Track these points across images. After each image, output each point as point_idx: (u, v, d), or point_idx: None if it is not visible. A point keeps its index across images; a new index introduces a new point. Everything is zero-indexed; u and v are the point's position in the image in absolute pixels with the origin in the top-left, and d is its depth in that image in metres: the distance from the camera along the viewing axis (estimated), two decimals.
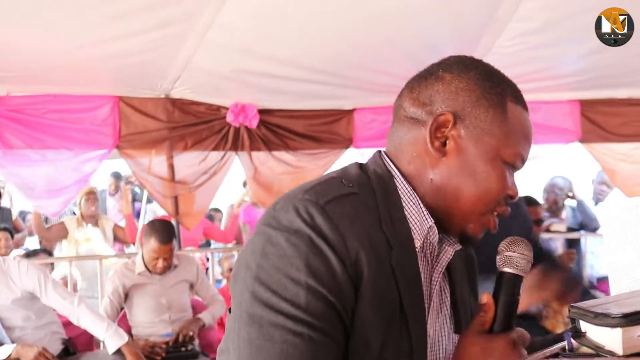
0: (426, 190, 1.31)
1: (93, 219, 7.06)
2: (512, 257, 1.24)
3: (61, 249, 7.44)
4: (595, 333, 0.91)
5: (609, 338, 0.89)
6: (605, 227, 1.17)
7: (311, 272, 1.14)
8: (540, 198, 6.60)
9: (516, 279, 1.25)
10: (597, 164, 6.72)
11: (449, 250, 1.35)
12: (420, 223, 1.29)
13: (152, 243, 4.64)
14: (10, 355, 4.03)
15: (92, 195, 7.04)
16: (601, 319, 0.90)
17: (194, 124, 5.43)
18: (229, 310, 1.27)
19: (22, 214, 9.47)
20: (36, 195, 5.46)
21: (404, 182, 1.31)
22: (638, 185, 6.20)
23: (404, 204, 1.30)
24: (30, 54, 4.43)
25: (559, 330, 3.18)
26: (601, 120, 6.20)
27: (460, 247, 1.37)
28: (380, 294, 1.18)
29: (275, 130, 5.74)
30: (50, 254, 6.76)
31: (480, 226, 1.30)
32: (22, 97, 4.92)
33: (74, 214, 7.47)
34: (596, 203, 7.47)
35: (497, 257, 1.26)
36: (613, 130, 6.21)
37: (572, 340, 0.94)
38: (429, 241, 1.31)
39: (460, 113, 1.29)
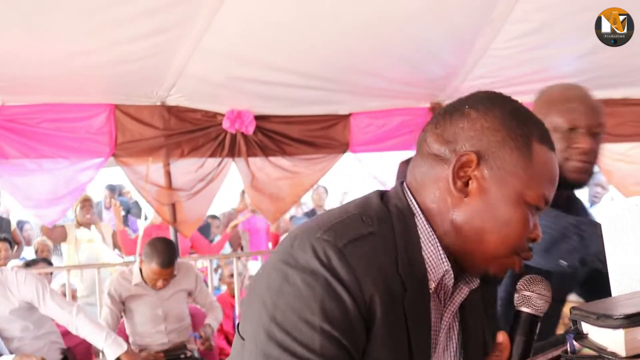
0: (446, 230, 1.28)
1: (89, 226, 7.08)
2: (531, 298, 1.24)
3: (62, 253, 7.46)
4: (597, 335, 0.90)
5: (612, 339, 0.88)
6: (606, 227, 1.16)
7: (326, 315, 1.14)
8: None
9: (533, 319, 1.23)
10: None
11: (464, 290, 1.35)
12: (436, 265, 1.28)
13: (154, 266, 4.61)
14: None
15: (87, 203, 7.07)
16: (603, 320, 0.89)
17: (190, 131, 5.42)
18: (238, 329, 1.28)
19: (20, 224, 9.46)
20: (33, 204, 5.46)
21: (424, 220, 1.30)
22: (636, 185, 6.21)
23: (422, 244, 1.28)
24: (25, 63, 4.43)
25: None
26: None
27: (477, 285, 1.36)
28: (392, 335, 1.18)
29: (272, 136, 5.73)
30: (49, 263, 6.77)
31: (502, 268, 1.29)
32: (17, 107, 4.92)
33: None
34: (591, 205, 7.46)
35: (515, 295, 1.26)
36: (610, 130, 6.18)
37: (574, 342, 0.93)
38: (443, 283, 1.30)
39: (484, 153, 1.26)
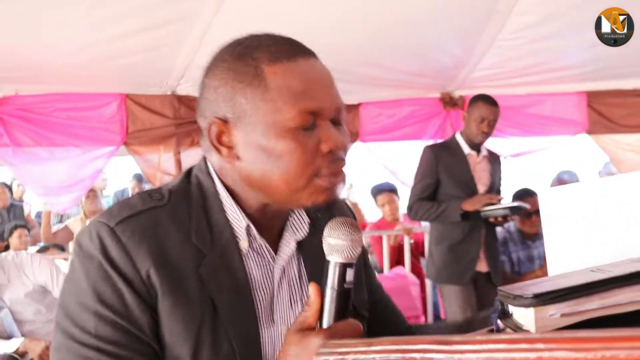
0: (242, 189, 1.29)
1: (94, 215, 7.17)
2: (336, 245, 1.14)
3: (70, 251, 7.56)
4: (517, 314, 0.95)
5: (526, 318, 0.93)
6: (544, 212, 1.20)
7: (99, 297, 1.16)
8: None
9: (344, 267, 1.13)
10: (604, 155, 6.73)
11: (291, 242, 1.35)
12: (239, 224, 1.29)
13: None
14: (18, 349, 4.12)
15: (91, 193, 7.15)
16: (518, 299, 0.94)
17: None
18: None
19: (39, 213, 9.59)
20: (46, 192, 5.56)
21: (221, 185, 1.31)
22: None
23: (225, 208, 1.29)
24: (37, 54, 4.50)
25: None
26: (608, 112, 6.22)
27: (306, 234, 1.36)
28: (183, 304, 1.19)
29: None
30: (62, 249, 6.87)
31: (313, 196, 1.24)
32: (30, 96, 4.99)
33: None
34: None
35: (323, 244, 1.16)
36: (620, 121, 6.22)
37: (499, 322, 0.98)
38: (255, 239, 1.30)
39: (226, 112, 1.25)
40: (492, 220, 4.42)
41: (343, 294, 1.13)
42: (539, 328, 0.91)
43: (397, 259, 6.62)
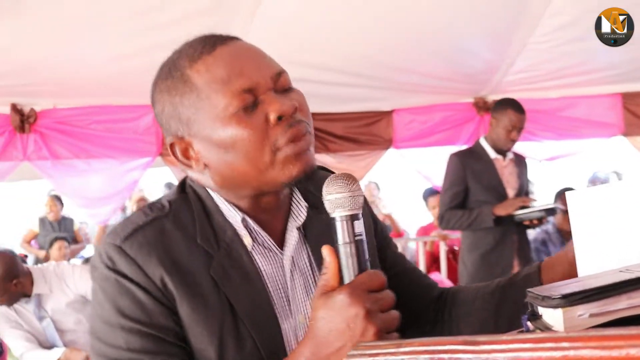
0: (226, 192, 1.31)
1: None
2: (336, 199, 1.14)
3: None
4: (547, 315, 0.95)
5: (555, 319, 0.93)
6: (572, 213, 1.20)
7: (121, 312, 1.19)
8: None
9: (350, 219, 1.13)
10: None
11: (294, 231, 1.35)
12: (235, 220, 1.30)
13: None
14: (59, 359, 4.20)
15: (142, 202, 7.27)
16: (546, 301, 0.94)
17: None
18: None
19: (81, 224, 9.75)
20: (85, 203, 5.64)
21: (213, 193, 1.32)
22: None
23: (222, 210, 1.31)
24: (74, 67, 4.56)
25: None
26: None
27: (304, 219, 1.36)
28: (202, 307, 1.21)
29: (316, 133, 5.72)
30: None
31: (285, 168, 1.23)
32: (68, 109, 5.05)
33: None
34: None
35: (325, 205, 1.16)
36: None
37: (528, 323, 0.99)
38: (256, 232, 1.31)
39: (178, 129, 1.27)
40: (526, 223, 4.39)
41: (356, 246, 1.13)
42: (568, 328, 0.92)
43: (434, 265, 6.61)
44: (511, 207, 4.32)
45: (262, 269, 1.30)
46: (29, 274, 4.37)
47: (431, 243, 6.81)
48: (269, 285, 1.30)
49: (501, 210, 4.33)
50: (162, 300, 1.20)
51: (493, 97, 6.05)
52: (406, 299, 1.36)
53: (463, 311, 1.54)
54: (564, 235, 5.39)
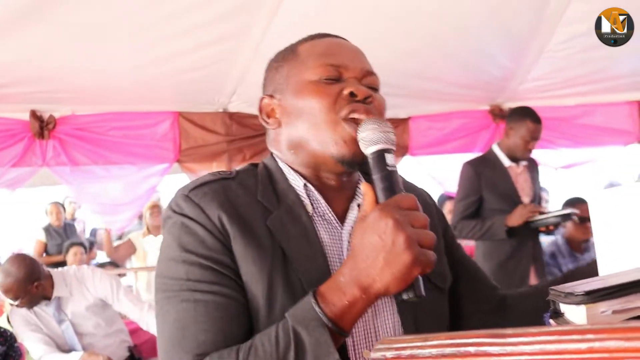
0: (292, 157, 1.45)
1: (158, 231, 7.29)
2: (367, 136, 1.26)
3: (132, 265, 7.71)
4: (569, 312, 0.96)
5: (578, 316, 0.94)
6: (593, 213, 1.21)
7: (183, 247, 1.30)
8: None
9: (382, 153, 1.25)
10: None
11: (355, 209, 1.44)
12: (300, 187, 1.42)
13: None
14: None
15: (155, 209, 7.29)
16: (569, 297, 0.95)
17: (252, 137, 5.52)
18: None
19: (93, 231, 9.79)
20: (103, 210, 5.67)
21: (281, 162, 1.47)
22: None
23: (288, 179, 1.44)
24: (92, 74, 4.59)
25: None
26: None
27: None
28: (254, 246, 1.29)
29: None
30: (117, 265, 7.01)
31: (339, 144, 1.34)
32: (86, 116, 5.09)
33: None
34: None
35: (360, 146, 1.29)
36: None
37: (551, 321, 1.00)
38: (317, 202, 1.41)
39: (271, 88, 1.49)
40: (542, 229, 4.37)
41: (388, 176, 1.23)
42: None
43: None
44: (521, 218, 4.30)
45: (320, 237, 1.38)
46: (49, 277, 4.41)
47: None
48: (326, 250, 1.37)
49: (513, 221, 4.32)
50: (219, 237, 1.30)
51: (509, 105, 6.05)
52: (471, 295, 1.60)
53: (518, 313, 1.61)
54: (574, 246, 5.37)
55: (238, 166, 5.63)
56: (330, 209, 1.41)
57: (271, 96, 1.47)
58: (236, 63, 4.73)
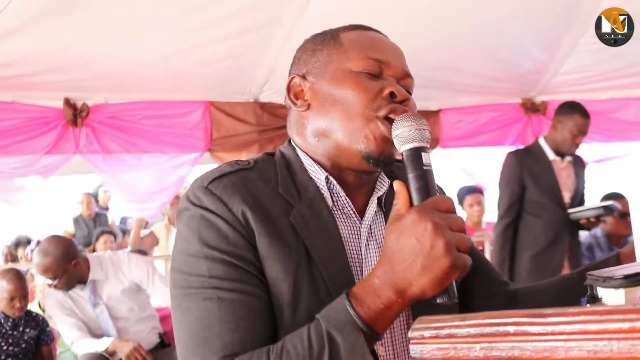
0: (315, 145, 1.41)
1: None
2: (403, 133, 1.23)
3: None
4: (607, 297, 0.96)
5: (616, 300, 0.93)
6: (635, 209, 1.20)
7: (205, 242, 1.26)
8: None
9: (418, 151, 1.22)
10: None
11: (374, 203, 1.42)
12: (321, 180, 1.38)
13: None
14: (107, 348, 4.28)
15: (176, 200, 7.34)
16: (607, 281, 0.95)
17: (283, 127, 5.47)
18: None
19: (123, 220, 9.87)
20: (134, 198, 5.72)
21: (301, 151, 1.43)
22: None
23: (308, 170, 1.40)
24: (125, 63, 4.64)
25: None
26: None
27: (387, 189, 1.43)
28: (279, 245, 1.26)
29: None
30: (145, 253, 7.08)
31: (369, 140, 1.32)
32: (119, 105, 5.12)
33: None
34: None
35: (395, 144, 1.26)
36: None
37: (588, 306, 0.99)
38: (337, 195, 1.38)
39: (304, 69, 1.45)
40: (583, 222, 4.34)
41: (423, 175, 1.21)
42: None
43: None
44: None
45: (341, 230, 1.36)
46: (86, 259, 4.48)
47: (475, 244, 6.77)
48: (345, 245, 1.35)
49: None
50: (243, 233, 1.26)
51: (541, 98, 6.00)
52: (482, 290, 1.58)
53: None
54: (613, 240, 5.31)
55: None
56: (350, 203, 1.39)
57: (303, 77, 1.44)
58: (268, 53, 4.74)
